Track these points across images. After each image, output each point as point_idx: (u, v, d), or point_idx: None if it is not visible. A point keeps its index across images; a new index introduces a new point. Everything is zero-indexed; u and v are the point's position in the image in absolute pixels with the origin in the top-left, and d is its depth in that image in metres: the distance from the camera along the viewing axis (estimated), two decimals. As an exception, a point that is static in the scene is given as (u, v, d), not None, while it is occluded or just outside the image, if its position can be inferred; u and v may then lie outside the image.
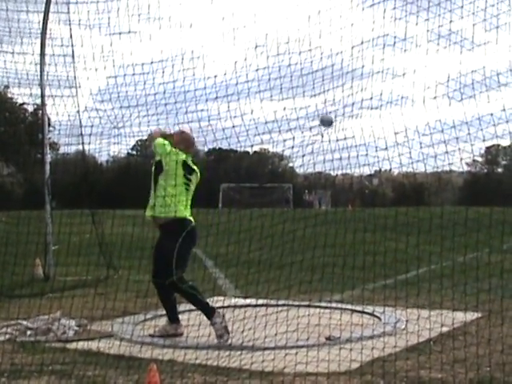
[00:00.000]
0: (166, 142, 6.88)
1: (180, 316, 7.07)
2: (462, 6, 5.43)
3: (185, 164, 6.89)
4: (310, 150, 6.14)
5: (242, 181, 50.34)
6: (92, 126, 7.59)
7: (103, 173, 47.14)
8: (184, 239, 6.66)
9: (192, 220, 6.89)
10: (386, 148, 5.73)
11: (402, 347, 5.98)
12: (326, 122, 6.15)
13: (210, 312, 6.66)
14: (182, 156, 6.91)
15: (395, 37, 5.77)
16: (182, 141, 7.03)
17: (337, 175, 7.30)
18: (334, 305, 8.00)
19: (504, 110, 5.12)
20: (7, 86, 21.38)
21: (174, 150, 6.85)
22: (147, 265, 7.24)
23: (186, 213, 6.85)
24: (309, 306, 7.60)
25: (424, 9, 5.62)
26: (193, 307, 7.14)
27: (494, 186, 49.95)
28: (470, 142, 5.42)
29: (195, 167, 7.04)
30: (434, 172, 6.43)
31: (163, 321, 7.18)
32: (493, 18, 5.28)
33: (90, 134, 7.62)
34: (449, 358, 5.59)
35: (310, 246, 7.29)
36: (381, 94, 5.83)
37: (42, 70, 11.42)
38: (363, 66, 5.94)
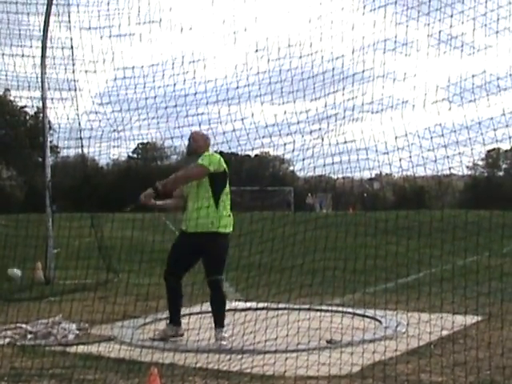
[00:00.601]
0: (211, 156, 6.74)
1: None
2: (463, 12, 5.45)
3: None
4: (311, 153, 6.14)
5: (242, 184, 50.32)
6: (92, 129, 7.59)
7: (104, 176, 47.15)
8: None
9: None
10: (387, 152, 5.74)
11: (403, 351, 5.98)
12: None
13: (221, 321, 6.65)
14: None
15: (396, 41, 5.79)
16: (206, 141, 6.88)
17: (337, 178, 7.30)
18: (334, 308, 7.99)
19: (504, 114, 5.14)
20: (8, 89, 21.34)
21: (208, 154, 6.74)
22: (147, 268, 7.24)
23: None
24: (309, 309, 7.60)
25: (424, 14, 5.64)
26: (194, 311, 7.12)
27: (495, 190, 49.98)
28: (471, 145, 5.45)
29: None
30: (434, 176, 6.44)
31: (163, 324, 7.17)
32: (492, 23, 5.30)
33: (90, 137, 7.62)
34: (449, 361, 5.58)
35: (310, 249, 7.29)
36: (381, 98, 5.84)
37: (43, 73, 11.42)
38: (364, 70, 5.95)
